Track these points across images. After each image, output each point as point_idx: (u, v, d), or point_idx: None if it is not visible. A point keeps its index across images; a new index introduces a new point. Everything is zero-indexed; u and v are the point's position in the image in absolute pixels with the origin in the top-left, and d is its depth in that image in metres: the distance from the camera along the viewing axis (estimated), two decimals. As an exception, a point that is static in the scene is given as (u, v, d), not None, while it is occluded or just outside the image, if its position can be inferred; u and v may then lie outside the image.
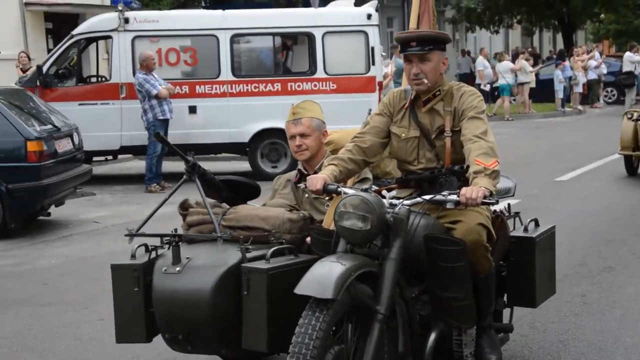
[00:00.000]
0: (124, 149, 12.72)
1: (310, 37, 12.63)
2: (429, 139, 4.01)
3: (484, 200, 3.54)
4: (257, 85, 12.55)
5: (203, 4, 26.56)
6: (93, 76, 14.29)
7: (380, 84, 12.91)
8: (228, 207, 4.23)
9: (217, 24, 12.52)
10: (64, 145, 9.29)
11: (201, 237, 4.05)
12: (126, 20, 12.38)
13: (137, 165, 14.12)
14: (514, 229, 4.54)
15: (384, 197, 3.72)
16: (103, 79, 13.20)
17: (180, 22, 12.71)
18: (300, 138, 4.42)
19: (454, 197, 3.60)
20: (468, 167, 3.76)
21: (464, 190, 3.57)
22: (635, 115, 11.63)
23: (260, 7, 16.86)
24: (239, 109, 12.46)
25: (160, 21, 12.62)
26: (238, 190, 4.46)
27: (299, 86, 12.56)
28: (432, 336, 3.88)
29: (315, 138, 4.44)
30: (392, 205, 3.67)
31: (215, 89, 12.49)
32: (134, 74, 12.05)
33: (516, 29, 39.88)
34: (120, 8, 12.54)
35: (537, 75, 23.98)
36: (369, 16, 12.62)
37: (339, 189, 3.82)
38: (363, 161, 4.10)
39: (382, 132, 4.12)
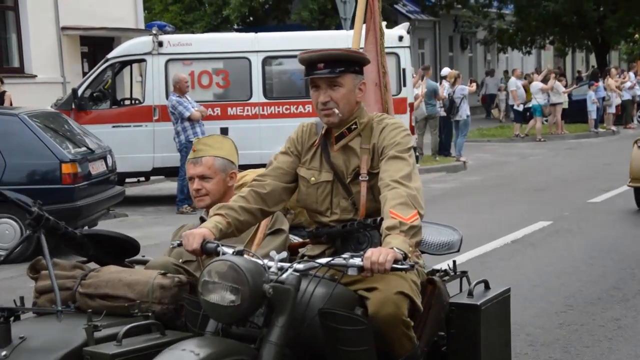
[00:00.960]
0: (156, 171, 12.83)
1: (342, 59, 12.65)
2: (344, 183, 3.27)
3: (394, 266, 2.80)
4: (288, 107, 12.61)
5: (235, 27, 26.81)
6: (127, 99, 14.46)
7: (411, 105, 12.90)
8: (92, 269, 3.42)
9: (249, 47, 12.62)
10: (97, 167, 9.40)
11: (36, 310, 3.30)
12: (160, 44, 12.53)
13: (169, 187, 14.21)
14: (460, 291, 3.86)
15: (285, 258, 2.94)
16: (136, 102, 13.36)
17: (213, 45, 12.83)
18: (199, 181, 3.65)
19: (357, 260, 2.84)
20: (382, 220, 3.05)
21: (369, 252, 2.83)
22: None
23: (292, 29, 16.98)
24: (270, 130, 12.52)
25: (193, 44, 12.75)
26: (110, 247, 3.67)
27: (330, 108, 12.58)
28: None
29: (218, 181, 3.67)
30: (281, 270, 2.89)
31: (247, 111, 12.58)
32: (167, 96, 12.17)
33: (548, 50, 39.67)
34: (154, 32, 12.69)
35: (569, 96, 23.82)
36: (401, 38, 12.64)
37: (218, 249, 3.06)
38: (260, 211, 3.30)
39: (287, 174, 3.36)
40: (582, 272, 7.29)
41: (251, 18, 28.92)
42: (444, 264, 3.95)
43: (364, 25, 4.69)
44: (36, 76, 16.95)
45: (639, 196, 10.26)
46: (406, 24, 12.92)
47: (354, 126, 3.28)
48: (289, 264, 2.92)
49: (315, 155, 3.34)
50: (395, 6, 29.88)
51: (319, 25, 25.65)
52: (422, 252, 3.64)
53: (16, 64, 17.07)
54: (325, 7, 26.14)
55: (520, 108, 22.49)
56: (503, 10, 32.73)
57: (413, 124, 13.10)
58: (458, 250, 3.83)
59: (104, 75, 13.04)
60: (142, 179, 13.41)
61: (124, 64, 13.46)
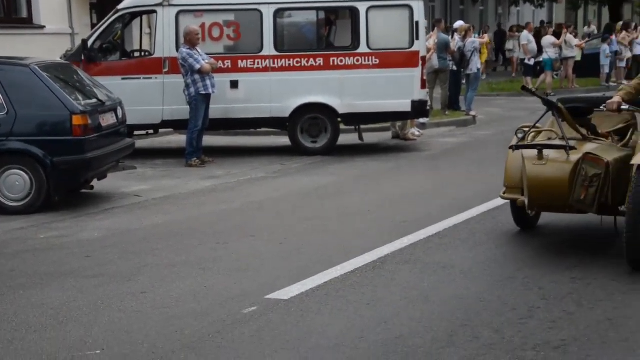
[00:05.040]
0: (165, 123, 12.77)
1: (354, 12, 12.51)
2: None
3: None
4: (299, 60, 12.48)
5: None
6: (136, 50, 14.34)
7: (423, 58, 12.76)
8: None
9: (261, -1, 12.45)
10: (107, 120, 9.34)
11: None
12: (170, -5, 12.38)
13: (178, 140, 14.19)
14: None
15: None
16: (146, 54, 13.25)
17: (224, -4, 12.65)
18: None
19: None
20: None
21: None
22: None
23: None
24: (280, 83, 12.41)
25: (204, -4, 12.58)
26: None
27: (341, 61, 12.47)
28: None
29: None
30: None
31: (258, 64, 12.45)
32: (177, 48, 12.05)
33: (561, 2, 39.16)
34: (164, -17, 12.51)
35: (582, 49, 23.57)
36: (414, -10, 12.44)
37: None
38: None
39: None
40: (594, 224, 7.25)
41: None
42: None
43: None
44: (45, 27, 16.81)
45: (515, 212, 7.26)
46: (419, -24, 12.70)
47: None
48: None
49: None
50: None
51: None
52: None
53: (25, 14, 16.90)
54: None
55: (532, 62, 22.29)
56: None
57: (424, 77, 12.95)
58: None
59: (114, 26, 12.90)
60: (151, 131, 13.35)
61: (133, 16, 13.32)
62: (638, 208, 5.73)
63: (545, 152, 6.31)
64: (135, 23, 14.46)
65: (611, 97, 6.55)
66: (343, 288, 5.80)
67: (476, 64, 17.44)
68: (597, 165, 6.04)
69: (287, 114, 12.49)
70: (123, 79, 12.32)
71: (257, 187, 10.12)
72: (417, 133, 14.49)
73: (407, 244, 6.97)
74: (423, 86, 12.79)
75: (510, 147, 6.79)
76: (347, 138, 13.43)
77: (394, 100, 12.46)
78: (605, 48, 23.20)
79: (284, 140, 13.21)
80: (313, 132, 12.62)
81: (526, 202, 6.53)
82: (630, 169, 5.92)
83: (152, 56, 12.60)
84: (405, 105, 12.47)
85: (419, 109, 12.66)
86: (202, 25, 12.37)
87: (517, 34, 28.93)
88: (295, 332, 4.97)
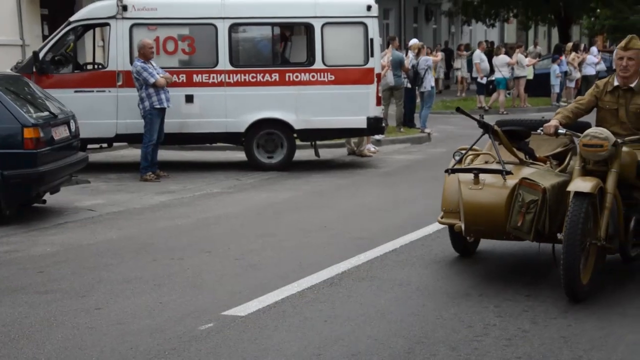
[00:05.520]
0: (119, 137, 12.64)
1: (309, 28, 12.55)
2: None
3: None
4: (254, 75, 12.47)
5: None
6: (89, 63, 14.18)
7: (378, 75, 12.84)
8: None
9: (216, 13, 12.43)
10: (60, 133, 9.21)
11: None
12: (124, 8, 12.29)
13: (132, 154, 14.05)
14: None
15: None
16: (100, 67, 13.11)
17: (179, 10, 12.60)
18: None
19: None
20: None
21: None
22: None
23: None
24: (236, 98, 12.38)
25: (158, 9, 12.50)
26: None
27: (297, 77, 12.48)
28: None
29: None
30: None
31: (213, 79, 12.41)
32: (131, 62, 11.96)
33: (512, 23, 39.81)
34: (118, -5, 12.42)
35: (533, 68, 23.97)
36: (369, 7, 12.53)
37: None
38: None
39: None
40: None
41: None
42: None
43: None
44: (-5, 38, 16.57)
45: (453, 238, 7.04)
46: (374, -6, 12.79)
47: None
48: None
49: None
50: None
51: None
52: None
53: (-26, 25, 16.66)
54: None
55: (484, 81, 22.60)
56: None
57: (379, 94, 13.03)
58: None
59: (66, 38, 12.75)
60: (105, 145, 13.20)
61: (86, 28, 13.16)
62: (574, 238, 5.49)
63: (482, 176, 6.11)
64: (88, 35, 14.31)
65: (549, 120, 6.35)
66: (300, 305, 5.78)
67: (430, 81, 17.62)
68: (534, 191, 5.81)
69: (242, 129, 12.46)
70: (76, 91, 12.18)
71: (213, 203, 10.06)
72: (372, 149, 14.56)
73: (364, 261, 6.98)
74: (378, 103, 12.86)
75: (446, 171, 6.51)
76: (303, 154, 13.43)
77: (350, 116, 12.51)
78: (555, 68, 23.64)
79: (240, 156, 13.16)
80: (269, 147, 12.60)
81: (463, 227, 6.31)
82: (567, 196, 5.75)
83: (106, 69, 12.47)
84: (360, 122, 12.52)
85: (374, 125, 12.73)
86: (157, 39, 12.30)
87: (464, 52, 29.32)
88: (252, 349, 4.94)
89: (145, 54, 11.53)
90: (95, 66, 13.50)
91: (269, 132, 12.54)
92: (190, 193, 10.64)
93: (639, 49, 6.26)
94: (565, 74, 24.33)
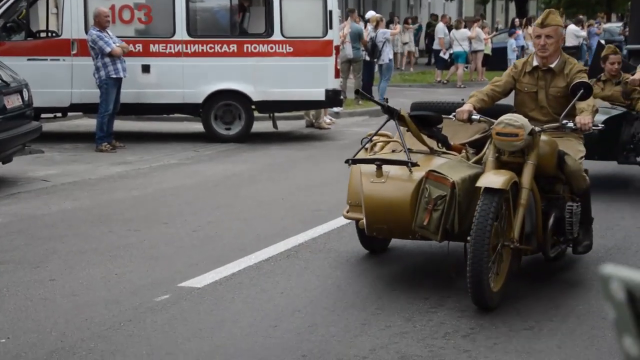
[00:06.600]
0: (74, 107, 12.46)
1: (268, -1, 12.46)
2: None
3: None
4: (212, 45, 12.35)
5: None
6: (43, 31, 13.92)
7: (337, 47, 12.81)
8: None
9: (173, -18, 12.25)
10: (12, 101, 9.05)
11: None
12: (79, -26, 12.06)
13: (88, 124, 13.87)
14: None
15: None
16: (53, 35, 12.88)
17: (135, -22, 12.40)
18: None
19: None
20: None
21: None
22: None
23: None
24: (193, 69, 12.26)
25: (114, -24, 12.29)
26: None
27: (255, 48, 12.40)
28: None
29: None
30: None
31: (170, 49, 12.27)
32: (86, 30, 11.77)
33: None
34: (72, -39, 12.17)
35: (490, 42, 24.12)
36: (327, -21, 12.46)
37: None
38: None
39: None
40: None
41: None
42: None
43: None
44: (-55, 4, 16.16)
45: (361, 233, 6.25)
46: (333, -35, 12.70)
47: None
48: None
49: None
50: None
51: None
52: None
53: None
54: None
55: (446, 55, 22.67)
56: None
57: (338, 67, 13.00)
58: None
59: (18, 5, 12.48)
60: (59, 114, 13.00)
61: (40, -5, 12.91)
62: (481, 240, 4.81)
63: (386, 168, 5.36)
64: (41, 2, 14.02)
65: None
66: (257, 276, 5.79)
67: (388, 54, 17.63)
68: (442, 186, 5.07)
69: (200, 100, 12.36)
70: (29, 59, 11.96)
71: (170, 174, 9.99)
72: (328, 121, 14.55)
73: (321, 233, 7.00)
74: (337, 75, 12.84)
75: (347, 161, 5.70)
76: (261, 126, 13.38)
77: (308, 88, 12.47)
78: (512, 42, 23.81)
79: (197, 127, 13.07)
80: (227, 119, 12.52)
81: (365, 225, 5.59)
82: (477, 192, 5.05)
83: (60, 37, 12.26)
84: (319, 94, 12.49)
85: (333, 97, 12.71)
86: (112, 7, 12.10)
87: (411, 26, 29.21)
88: (209, 320, 4.94)
89: (101, 23, 11.35)
90: (49, 34, 13.25)
91: (227, 104, 12.46)
92: (147, 164, 10.55)
93: (557, 25, 5.58)
94: (522, 48, 24.52)
